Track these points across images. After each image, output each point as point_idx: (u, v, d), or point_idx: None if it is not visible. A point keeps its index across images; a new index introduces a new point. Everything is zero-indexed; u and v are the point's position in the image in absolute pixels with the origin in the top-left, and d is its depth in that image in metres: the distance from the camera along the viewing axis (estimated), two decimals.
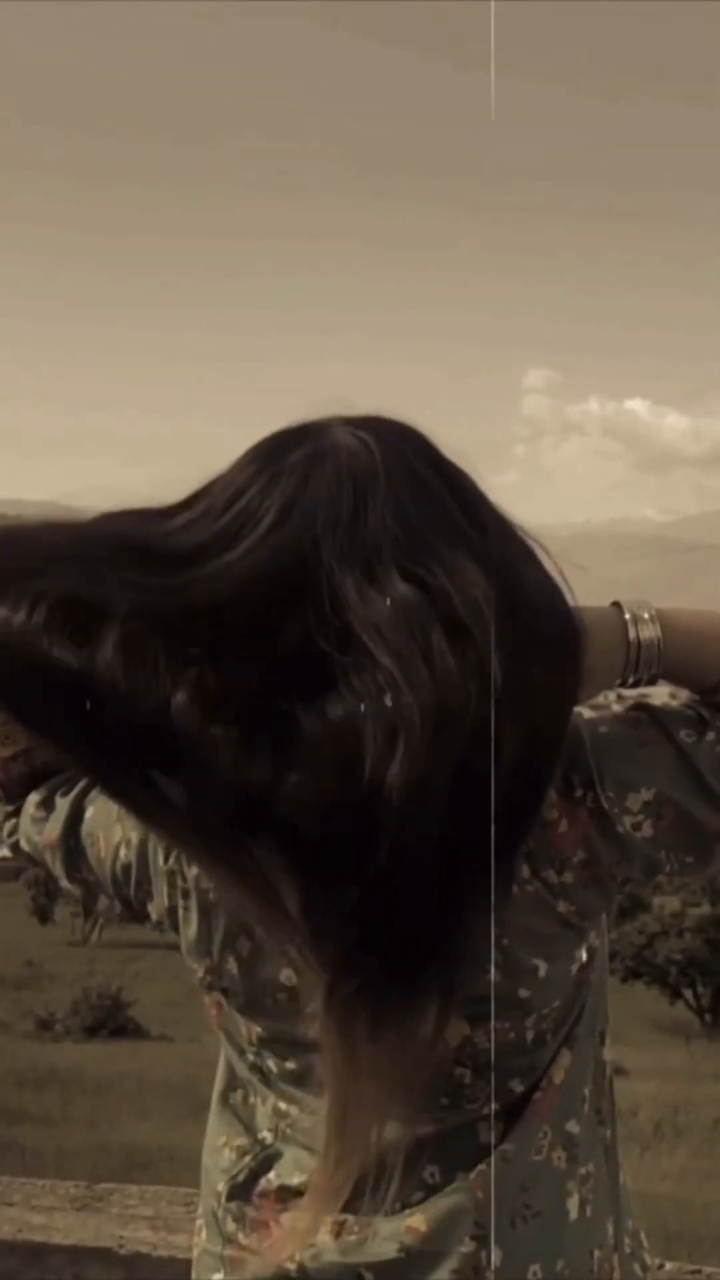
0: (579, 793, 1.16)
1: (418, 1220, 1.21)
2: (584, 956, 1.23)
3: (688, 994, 32.26)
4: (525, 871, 1.15)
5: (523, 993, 1.17)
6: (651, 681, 1.21)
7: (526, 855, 1.14)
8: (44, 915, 42.29)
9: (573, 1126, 1.25)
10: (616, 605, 1.20)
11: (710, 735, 1.17)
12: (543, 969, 1.18)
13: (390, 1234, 1.21)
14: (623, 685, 1.21)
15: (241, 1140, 1.32)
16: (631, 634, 1.18)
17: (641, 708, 1.21)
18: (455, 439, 1.20)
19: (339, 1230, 1.22)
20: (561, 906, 1.17)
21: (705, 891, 35.32)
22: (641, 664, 1.19)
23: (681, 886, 35.90)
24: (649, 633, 1.18)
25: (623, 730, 1.19)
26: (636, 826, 1.16)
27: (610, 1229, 1.28)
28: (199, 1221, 1.38)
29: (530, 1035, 1.20)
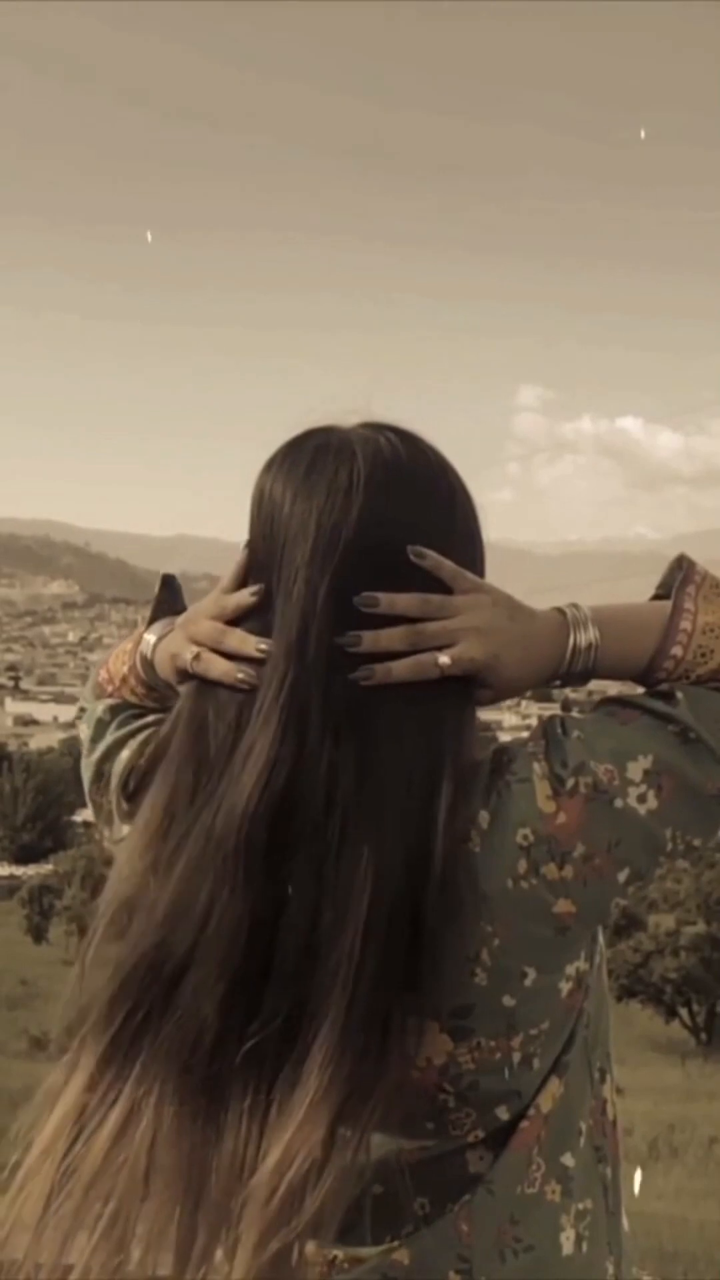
0: (570, 782, 1.15)
1: (402, 1254, 1.19)
2: (574, 974, 1.19)
3: (683, 1013, 32.21)
4: (523, 867, 1.14)
5: (507, 1000, 1.14)
6: (582, 681, 1.25)
7: (524, 850, 1.14)
8: (38, 934, 42.21)
9: (568, 1160, 1.22)
10: (559, 610, 1.23)
11: (679, 696, 1.20)
12: (531, 977, 1.15)
13: (374, 1267, 1.19)
14: (550, 685, 1.25)
15: None
16: (571, 639, 1.22)
17: (609, 698, 1.24)
18: (448, 457, 1.23)
19: (329, 1267, 1.21)
20: (560, 906, 1.14)
21: (700, 910, 35.30)
22: (577, 666, 1.22)
23: (677, 905, 35.89)
24: (587, 637, 1.22)
25: (600, 717, 1.21)
26: (641, 799, 1.15)
27: (610, 1269, 1.25)
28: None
29: (516, 1057, 1.17)
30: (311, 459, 1.18)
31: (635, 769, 1.16)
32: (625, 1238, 1.29)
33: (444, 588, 1.18)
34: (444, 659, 1.16)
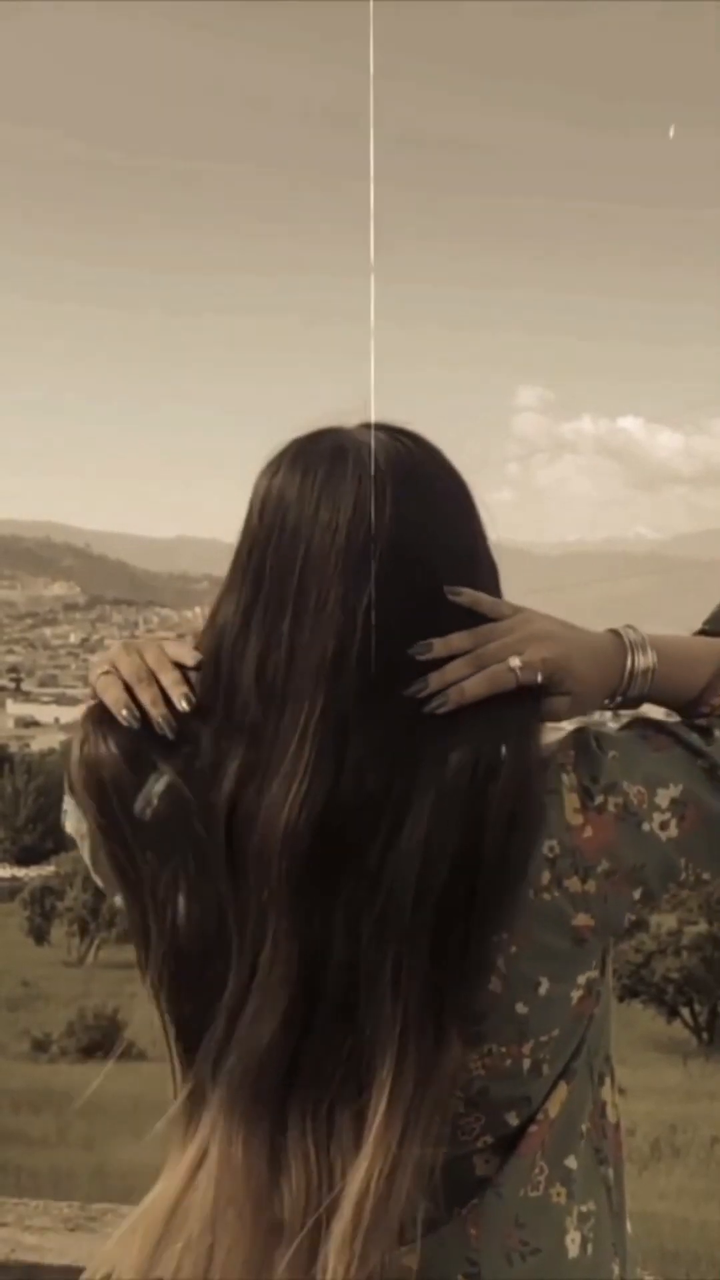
0: (600, 799, 1.15)
1: (411, 1258, 1.18)
2: (585, 983, 1.20)
3: (685, 1012, 32.17)
4: (546, 878, 1.14)
5: (520, 1008, 1.15)
6: (635, 705, 1.24)
7: (549, 862, 1.14)
8: (40, 936, 42.20)
9: (571, 1162, 1.22)
10: (614, 632, 1.23)
11: (717, 735, 1.21)
12: (545, 986, 1.15)
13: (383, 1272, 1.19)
14: (605, 708, 1.25)
15: None
16: (629, 662, 1.21)
17: (643, 720, 1.24)
18: (447, 456, 1.22)
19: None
20: (579, 919, 1.15)
21: (702, 910, 35.24)
22: (633, 690, 1.22)
23: (679, 905, 35.86)
24: (645, 661, 1.22)
25: (635, 737, 1.21)
26: (664, 825, 1.16)
27: (615, 1270, 1.25)
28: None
29: (527, 1064, 1.17)
30: (330, 464, 1.16)
31: (664, 796, 1.17)
32: (628, 1239, 1.29)
33: (474, 617, 1.17)
34: (515, 661, 1.15)
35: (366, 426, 1.20)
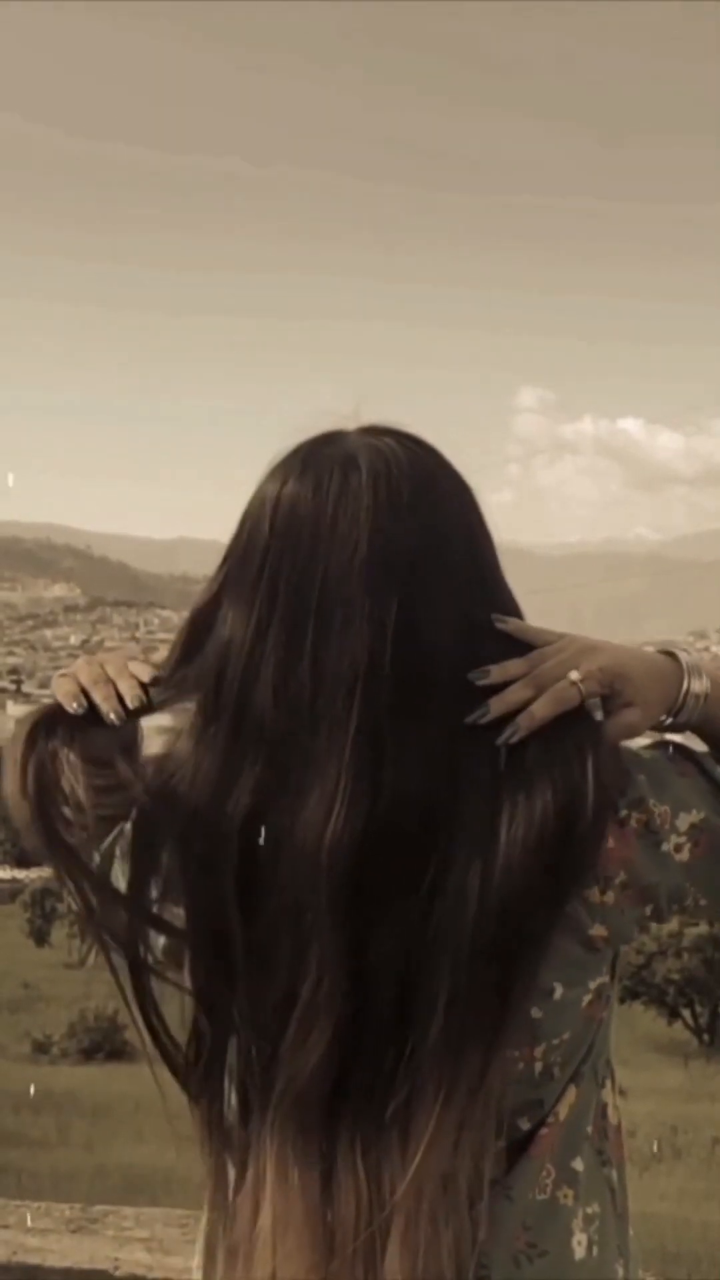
0: (624, 812, 1.15)
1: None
2: (595, 988, 1.20)
3: (685, 1014, 32.14)
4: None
5: (535, 1013, 1.15)
6: (682, 730, 1.24)
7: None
8: (40, 937, 42.15)
9: (577, 1164, 1.22)
10: (668, 653, 1.22)
11: None
12: (559, 991, 1.16)
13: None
14: (655, 728, 1.24)
15: None
16: (685, 685, 1.21)
17: (670, 744, 1.24)
18: (448, 458, 1.22)
19: None
20: (595, 929, 1.16)
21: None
22: (684, 714, 1.21)
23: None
24: (700, 686, 1.21)
25: (663, 759, 1.21)
26: (678, 849, 1.17)
27: (620, 1271, 1.26)
28: (197, 1258, 1.36)
29: (538, 1067, 1.18)
30: (343, 474, 1.15)
31: (685, 820, 1.17)
32: (631, 1240, 1.30)
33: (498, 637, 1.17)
34: (574, 674, 1.14)
35: (369, 430, 1.20)
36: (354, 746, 1.09)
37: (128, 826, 1.22)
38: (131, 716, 1.20)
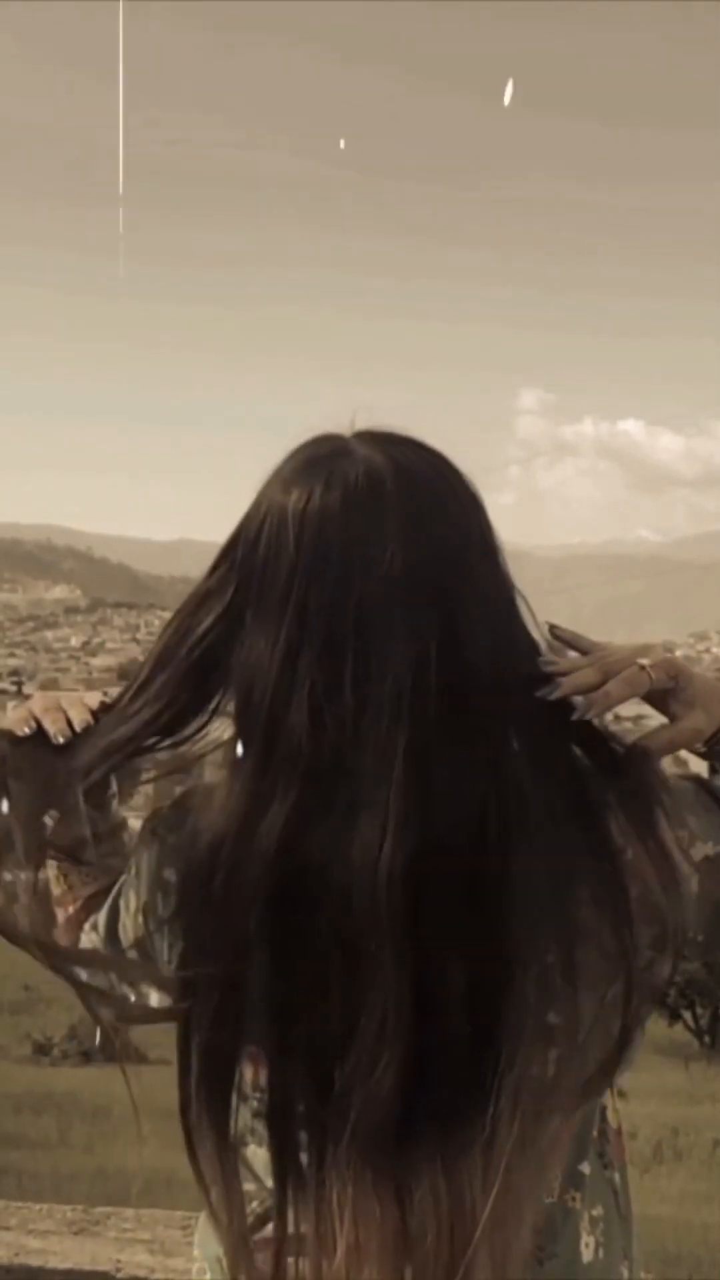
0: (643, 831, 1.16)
1: None
2: (609, 995, 1.20)
3: (686, 1016, 32.07)
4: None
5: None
6: (716, 757, 1.24)
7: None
8: None
9: (584, 1167, 1.23)
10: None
11: None
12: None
13: None
14: (697, 751, 1.25)
15: (249, 1185, 1.30)
16: None
17: (693, 778, 1.25)
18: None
19: None
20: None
21: None
22: None
23: None
24: None
25: (690, 789, 1.23)
26: (688, 879, 1.18)
27: (625, 1273, 1.26)
28: (196, 1265, 1.36)
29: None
30: (370, 490, 1.13)
31: (700, 851, 1.19)
32: (634, 1242, 1.30)
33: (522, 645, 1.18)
34: (644, 660, 1.16)
35: (378, 438, 1.19)
36: (405, 764, 1.08)
37: (140, 863, 1.24)
38: (78, 737, 1.24)
